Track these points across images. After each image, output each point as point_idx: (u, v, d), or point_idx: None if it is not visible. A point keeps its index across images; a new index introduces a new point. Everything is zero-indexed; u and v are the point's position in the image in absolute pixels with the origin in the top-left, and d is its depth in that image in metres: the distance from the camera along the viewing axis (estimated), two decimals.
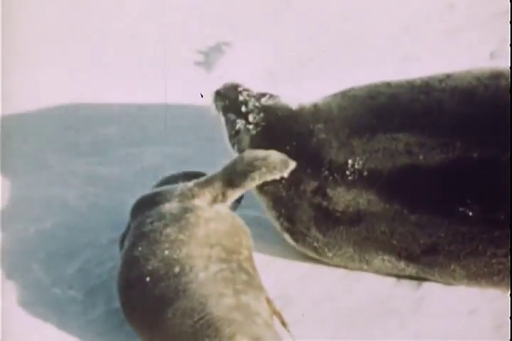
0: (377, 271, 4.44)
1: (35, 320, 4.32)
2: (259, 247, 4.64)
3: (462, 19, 6.42)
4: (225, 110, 4.67)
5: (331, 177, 4.33)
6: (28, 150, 5.60)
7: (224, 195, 4.40)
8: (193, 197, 4.36)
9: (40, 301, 4.44)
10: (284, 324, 4.12)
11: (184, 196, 4.36)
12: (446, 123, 4.22)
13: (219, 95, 4.72)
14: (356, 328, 4.22)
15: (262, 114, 4.56)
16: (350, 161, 4.31)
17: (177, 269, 4.05)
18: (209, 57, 6.36)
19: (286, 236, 4.53)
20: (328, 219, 4.36)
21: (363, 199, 4.29)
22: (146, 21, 6.70)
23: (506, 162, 4.09)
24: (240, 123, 4.58)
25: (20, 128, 5.76)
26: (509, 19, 5.70)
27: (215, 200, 4.38)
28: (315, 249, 4.46)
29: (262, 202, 4.55)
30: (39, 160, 5.52)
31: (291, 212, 4.44)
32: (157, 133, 5.74)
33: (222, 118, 4.70)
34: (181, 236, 4.18)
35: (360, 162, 4.30)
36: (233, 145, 4.64)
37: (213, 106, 4.74)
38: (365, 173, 4.29)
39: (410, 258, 4.28)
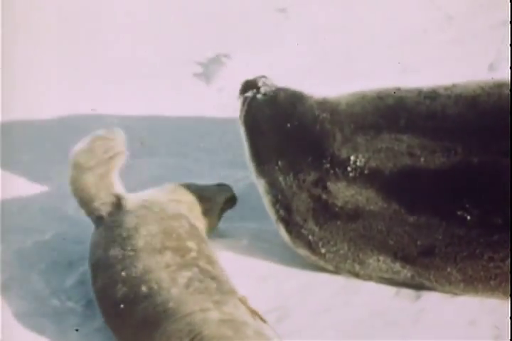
0: (371, 275, 4.44)
1: (34, 331, 4.30)
2: (258, 258, 4.65)
3: (460, 31, 6.45)
4: (244, 90, 4.71)
5: (332, 171, 4.37)
6: (28, 161, 5.60)
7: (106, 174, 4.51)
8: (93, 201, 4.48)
9: (38, 312, 4.42)
10: (263, 321, 4.04)
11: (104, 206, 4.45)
12: (449, 128, 4.28)
13: (246, 84, 4.78)
14: (355, 340, 4.21)
15: (274, 88, 4.65)
16: (352, 158, 4.35)
17: (144, 289, 3.97)
18: (208, 69, 6.38)
19: (281, 228, 4.52)
20: (326, 213, 4.38)
21: (362, 197, 4.32)
22: (146, 33, 6.72)
23: (506, 167, 4.12)
24: (251, 93, 4.63)
25: (19, 139, 5.76)
26: (507, 29, 5.73)
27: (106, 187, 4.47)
28: (308, 243, 4.46)
29: (260, 185, 4.56)
30: (38, 171, 5.52)
31: (289, 199, 4.45)
32: (156, 144, 5.75)
33: (240, 99, 4.72)
34: (127, 253, 4.14)
35: (363, 159, 4.34)
36: (241, 120, 4.66)
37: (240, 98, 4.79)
38: (366, 171, 4.32)
39: (406, 259, 4.30)
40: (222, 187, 4.85)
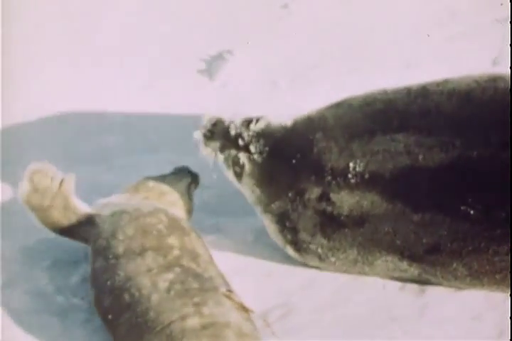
0: (379, 274, 4.44)
1: (39, 328, 4.31)
2: (261, 255, 4.64)
3: (464, 26, 6.44)
4: (222, 148, 4.65)
5: (333, 182, 4.35)
6: (29, 159, 5.59)
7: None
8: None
9: (44, 309, 4.43)
10: (252, 312, 4.01)
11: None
12: (445, 123, 4.25)
13: (208, 136, 4.69)
14: (359, 335, 4.21)
15: (261, 141, 4.55)
16: (351, 164, 4.33)
17: (127, 297, 3.96)
18: (211, 65, 6.38)
19: (289, 249, 4.53)
20: (333, 224, 4.37)
21: (367, 201, 4.30)
22: (149, 30, 6.72)
23: (506, 160, 4.11)
24: (243, 157, 4.57)
25: (21, 138, 5.76)
26: (509, 26, 5.72)
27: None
28: (318, 256, 4.46)
29: (266, 218, 4.54)
30: None
31: (296, 222, 4.44)
32: (158, 141, 5.75)
33: (220, 157, 4.66)
34: (110, 262, 4.14)
35: (361, 164, 4.31)
36: (240, 179, 4.61)
37: (206, 150, 4.71)
38: (367, 175, 4.30)
39: (413, 257, 4.29)
40: (179, 173, 4.82)
